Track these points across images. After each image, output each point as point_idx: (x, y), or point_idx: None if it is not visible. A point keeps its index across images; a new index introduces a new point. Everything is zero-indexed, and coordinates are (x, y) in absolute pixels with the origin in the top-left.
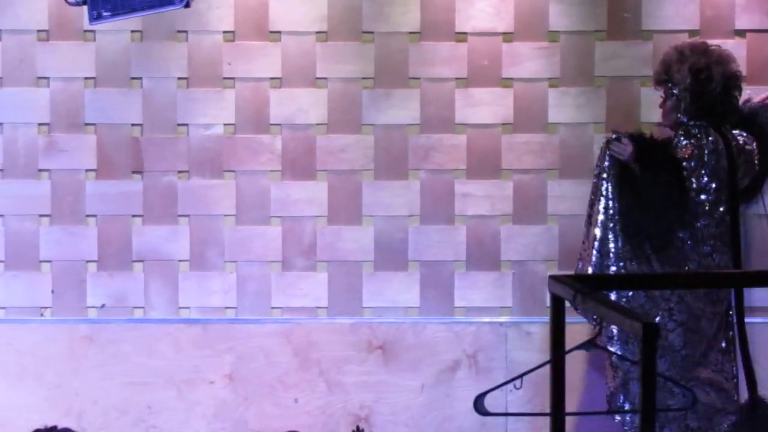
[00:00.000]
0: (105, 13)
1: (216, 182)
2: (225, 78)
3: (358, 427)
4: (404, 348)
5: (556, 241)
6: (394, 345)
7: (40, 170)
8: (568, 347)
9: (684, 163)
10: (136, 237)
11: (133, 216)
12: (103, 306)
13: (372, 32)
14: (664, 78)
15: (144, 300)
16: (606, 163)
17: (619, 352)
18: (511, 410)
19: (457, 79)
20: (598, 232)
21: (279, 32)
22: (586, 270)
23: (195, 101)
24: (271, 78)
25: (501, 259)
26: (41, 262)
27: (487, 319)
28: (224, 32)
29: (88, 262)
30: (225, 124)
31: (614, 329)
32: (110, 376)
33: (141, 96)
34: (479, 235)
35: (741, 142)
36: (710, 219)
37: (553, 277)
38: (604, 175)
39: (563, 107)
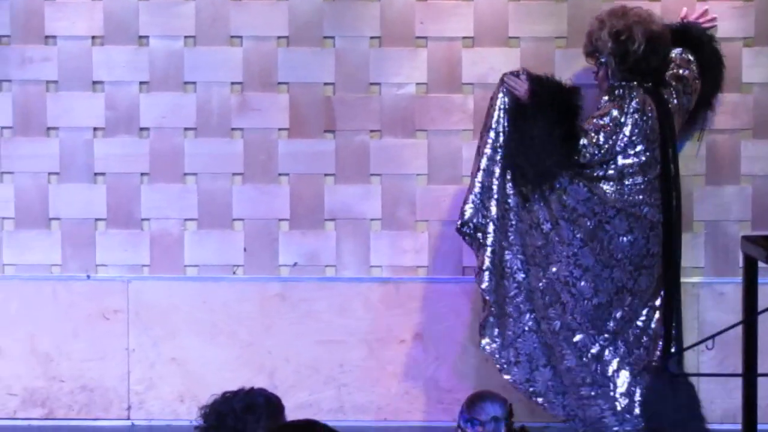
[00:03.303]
0: None
1: (408, 141)
2: (417, 37)
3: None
4: None
5: (749, 202)
6: None
7: (232, 129)
8: (760, 308)
9: (596, 119)
10: (328, 196)
11: (326, 175)
12: (295, 264)
13: None
14: (590, 49)
15: (336, 259)
16: (501, 96)
17: None
18: (702, 371)
19: None
20: (483, 162)
21: None
22: (467, 201)
23: (387, 60)
24: (464, 37)
25: (693, 219)
26: (234, 220)
27: None
28: None
29: (280, 220)
30: (417, 84)
31: None
32: (302, 334)
33: (333, 55)
34: None
35: (674, 84)
36: (641, 177)
37: (746, 238)
38: (496, 107)
39: (758, 67)
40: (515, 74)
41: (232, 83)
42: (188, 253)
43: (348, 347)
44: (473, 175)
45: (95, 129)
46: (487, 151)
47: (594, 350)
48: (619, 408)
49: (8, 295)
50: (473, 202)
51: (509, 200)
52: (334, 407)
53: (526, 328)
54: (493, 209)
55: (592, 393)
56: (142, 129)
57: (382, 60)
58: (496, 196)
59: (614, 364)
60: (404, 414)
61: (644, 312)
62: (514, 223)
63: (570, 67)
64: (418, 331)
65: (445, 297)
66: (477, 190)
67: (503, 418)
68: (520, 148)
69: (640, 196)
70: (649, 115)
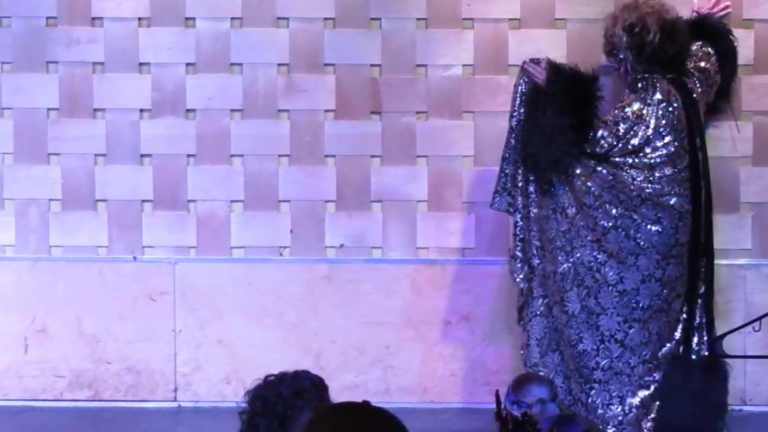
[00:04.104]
0: None
1: (454, 123)
2: (464, 19)
3: None
4: None
5: None
6: None
7: (279, 111)
8: None
9: (617, 110)
10: (374, 177)
11: (372, 156)
12: (341, 246)
13: None
14: (608, 48)
15: (382, 240)
16: (522, 84)
17: None
18: (749, 353)
19: None
20: (506, 151)
21: None
22: (495, 190)
23: (434, 42)
24: (510, 19)
25: (740, 201)
26: (280, 201)
27: (725, 262)
28: None
29: (326, 202)
30: (463, 65)
31: None
32: (348, 315)
33: (380, 37)
34: (718, 177)
35: (697, 75)
36: (671, 168)
37: None
38: (517, 94)
39: None
40: (536, 61)
41: (279, 65)
42: (235, 235)
43: (394, 329)
44: (500, 165)
45: (141, 110)
46: (511, 140)
47: (618, 336)
48: (630, 399)
49: (55, 276)
50: (498, 191)
51: (529, 188)
52: (380, 389)
53: (538, 313)
54: (520, 198)
55: (606, 378)
56: (188, 110)
57: (429, 41)
58: (520, 185)
59: (639, 354)
60: (450, 395)
61: (676, 304)
62: (532, 210)
63: None
64: (465, 312)
65: (491, 278)
66: (502, 179)
67: (549, 399)
68: (531, 136)
69: (669, 187)
70: (675, 105)
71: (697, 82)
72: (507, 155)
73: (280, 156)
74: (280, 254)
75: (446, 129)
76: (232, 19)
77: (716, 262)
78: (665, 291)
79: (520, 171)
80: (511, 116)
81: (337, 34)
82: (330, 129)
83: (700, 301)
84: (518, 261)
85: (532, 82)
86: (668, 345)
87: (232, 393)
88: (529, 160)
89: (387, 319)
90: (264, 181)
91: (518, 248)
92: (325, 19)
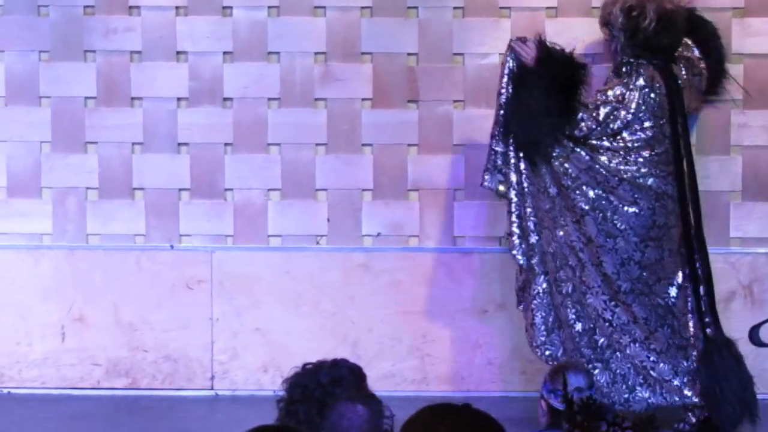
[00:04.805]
0: None
1: (491, 112)
2: (501, 7)
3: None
4: None
5: None
6: None
7: (316, 99)
8: None
9: (600, 94)
10: (411, 166)
11: (409, 145)
12: (378, 234)
13: None
14: (604, 21)
15: (419, 229)
16: (509, 62)
17: None
18: None
19: (733, 9)
20: (496, 129)
21: None
22: (485, 168)
23: (471, 30)
24: (547, 7)
25: None
26: (317, 190)
27: (762, 250)
28: None
29: (363, 190)
30: (500, 54)
31: None
32: (385, 304)
33: (417, 25)
34: (755, 165)
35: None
36: (648, 152)
37: None
38: (506, 72)
39: None
40: (523, 40)
41: (316, 53)
42: (272, 224)
43: (431, 317)
44: (489, 143)
45: (179, 99)
46: (500, 117)
47: (606, 315)
48: (630, 383)
49: (92, 265)
50: (488, 169)
51: (521, 164)
52: (417, 377)
53: (540, 290)
54: (513, 175)
55: (606, 357)
56: (225, 99)
57: (466, 30)
58: (513, 161)
59: (629, 336)
60: (487, 384)
61: (666, 290)
62: (526, 186)
63: None
64: (502, 301)
65: None
66: (492, 157)
67: (586, 388)
68: (515, 115)
69: (645, 168)
70: (658, 91)
71: (683, 68)
72: (497, 133)
73: (317, 145)
74: (317, 243)
75: (483, 118)
76: (269, 7)
77: (754, 250)
78: (645, 274)
79: (512, 147)
80: (499, 94)
81: (374, 22)
82: (367, 118)
83: (700, 288)
84: (516, 237)
85: (519, 60)
86: (661, 330)
87: (269, 381)
88: (511, 137)
89: (424, 308)
90: (301, 169)
91: (515, 224)
92: (362, 7)
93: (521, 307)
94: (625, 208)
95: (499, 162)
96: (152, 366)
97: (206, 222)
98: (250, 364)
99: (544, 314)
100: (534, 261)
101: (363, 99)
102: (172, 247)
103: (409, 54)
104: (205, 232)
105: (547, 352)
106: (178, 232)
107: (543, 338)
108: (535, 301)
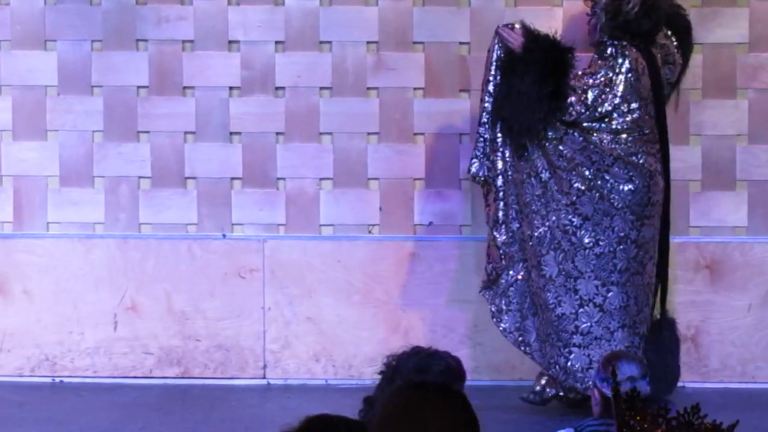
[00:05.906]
0: None
1: None
2: None
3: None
4: (731, 268)
5: None
6: (721, 265)
7: (368, 88)
8: None
9: (585, 77)
10: (463, 155)
11: (461, 134)
12: (430, 224)
13: None
14: None
15: (471, 218)
16: (496, 49)
17: None
18: None
19: None
20: (484, 116)
21: None
22: (473, 155)
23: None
24: None
25: None
26: (369, 179)
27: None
28: None
29: (415, 180)
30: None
31: None
32: (437, 293)
33: (469, 14)
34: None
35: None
36: (637, 133)
37: None
38: (492, 59)
39: None
40: (509, 26)
41: (368, 42)
42: (324, 213)
43: (483, 307)
44: (477, 130)
45: (231, 88)
46: (487, 105)
47: (597, 300)
48: None
49: (145, 254)
50: (477, 156)
51: (506, 151)
52: (469, 366)
53: (519, 277)
54: (499, 163)
55: (586, 343)
56: (277, 88)
57: (518, 19)
58: (500, 149)
59: (618, 319)
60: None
61: (650, 267)
62: (510, 174)
63: (706, 27)
64: None
65: None
66: (480, 144)
67: (639, 377)
68: (506, 101)
69: (635, 147)
70: (642, 73)
71: (658, 54)
72: (485, 120)
73: (369, 134)
74: (369, 232)
75: None
76: None
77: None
78: (641, 253)
79: (499, 134)
80: (487, 81)
81: (426, 12)
82: (419, 107)
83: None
84: (504, 225)
85: (506, 47)
86: (645, 309)
87: (321, 370)
88: (503, 124)
89: (476, 297)
90: (353, 158)
91: (501, 212)
92: None
93: (488, 293)
94: (621, 186)
95: (488, 149)
96: (204, 355)
97: (258, 211)
98: (301, 353)
99: (519, 300)
100: (514, 248)
101: (415, 88)
102: (224, 236)
103: (461, 43)
104: (257, 221)
105: (521, 338)
106: (230, 221)
107: (518, 324)
108: (512, 288)
